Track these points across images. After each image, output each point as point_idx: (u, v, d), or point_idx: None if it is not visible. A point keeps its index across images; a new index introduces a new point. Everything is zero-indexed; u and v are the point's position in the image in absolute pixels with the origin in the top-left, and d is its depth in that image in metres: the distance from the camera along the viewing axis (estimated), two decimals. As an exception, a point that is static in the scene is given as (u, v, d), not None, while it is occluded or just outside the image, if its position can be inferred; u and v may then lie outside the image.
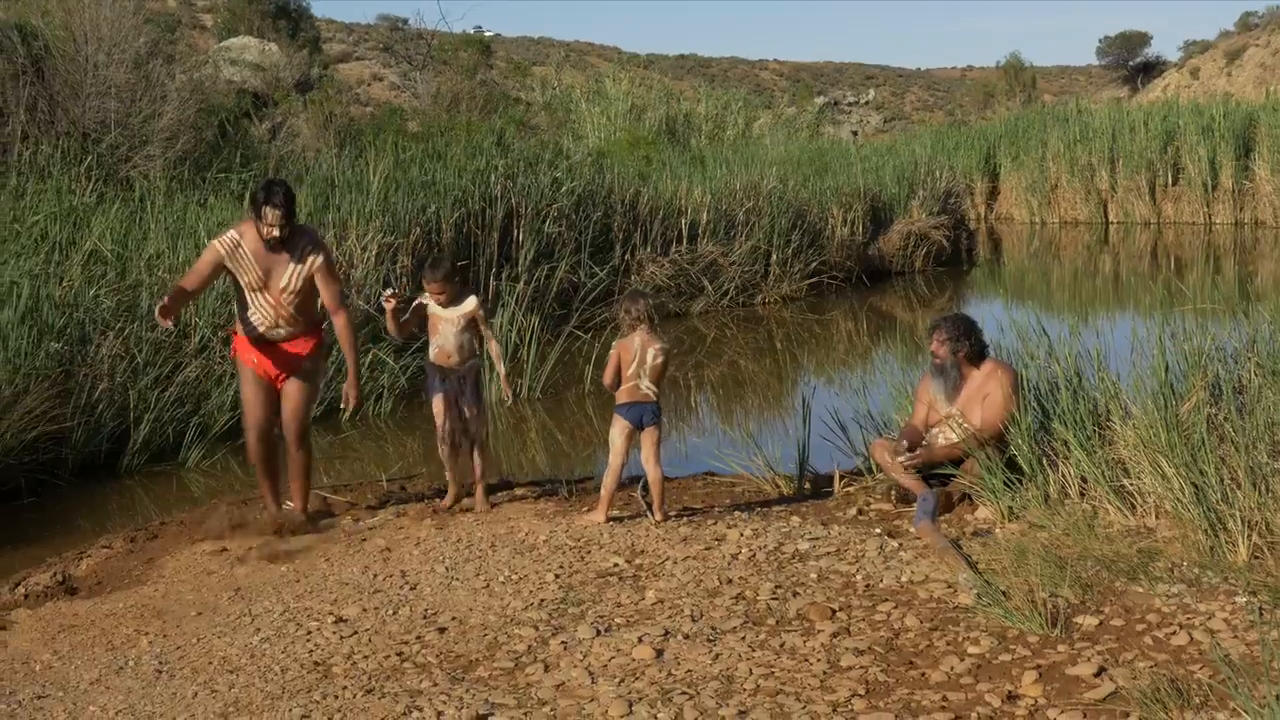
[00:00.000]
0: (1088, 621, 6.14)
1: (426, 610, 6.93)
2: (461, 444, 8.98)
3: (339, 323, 8.40)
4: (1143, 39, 75.90)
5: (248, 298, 8.21)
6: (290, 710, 5.69)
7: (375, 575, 7.62)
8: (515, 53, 58.14)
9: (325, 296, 8.36)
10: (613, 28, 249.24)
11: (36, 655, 6.65)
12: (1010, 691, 5.44)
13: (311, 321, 8.49)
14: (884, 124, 70.83)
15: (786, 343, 17.84)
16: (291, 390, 8.42)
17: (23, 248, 12.30)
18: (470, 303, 8.80)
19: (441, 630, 6.61)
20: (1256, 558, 6.78)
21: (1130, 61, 75.54)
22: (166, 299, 7.89)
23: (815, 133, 36.58)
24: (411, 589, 7.32)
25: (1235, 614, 6.06)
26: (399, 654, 6.32)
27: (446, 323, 8.73)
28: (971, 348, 8.48)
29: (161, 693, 6.01)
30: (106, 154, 16.66)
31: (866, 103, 79.70)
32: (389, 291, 8.89)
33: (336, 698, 5.80)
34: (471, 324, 8.81)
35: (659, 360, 8.46)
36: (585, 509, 8.75)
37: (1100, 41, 78.03)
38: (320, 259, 8.27)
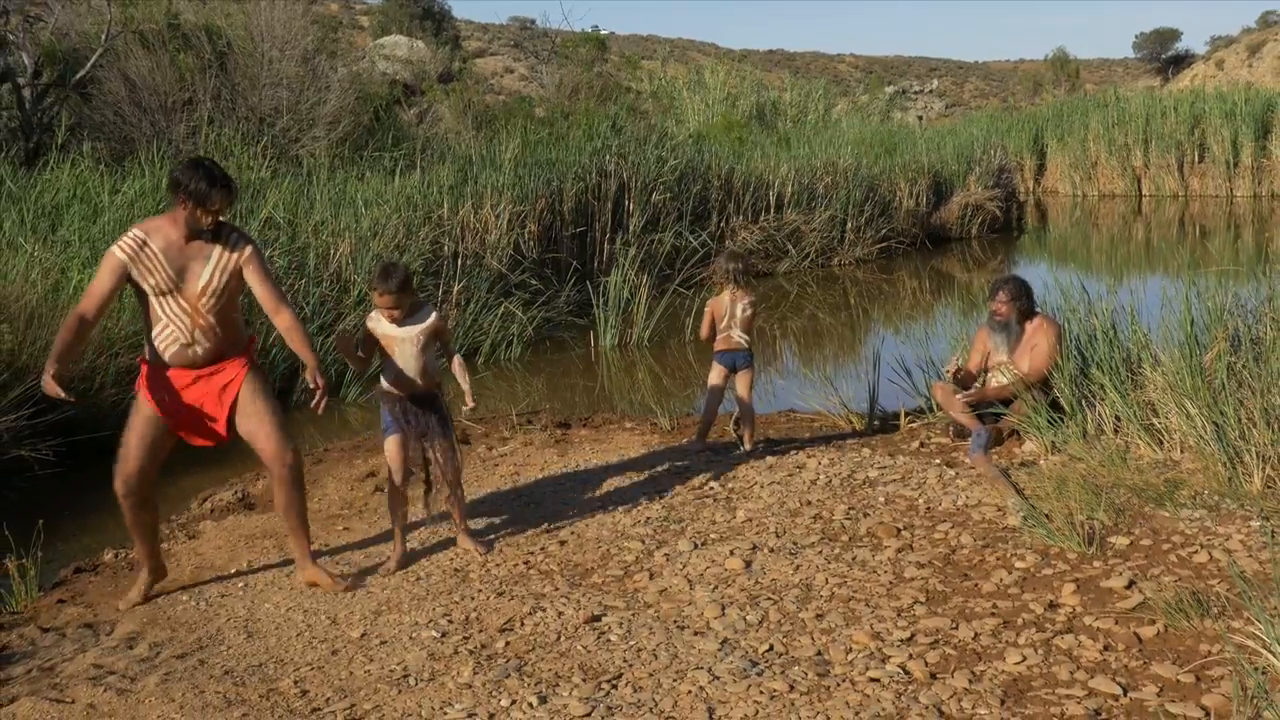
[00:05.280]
0: (1120, 541, 6.08)
1: (549, 525, 6.98)
2: (434, 488, 6.62)
3: (284, 322, 5.99)
4: (1174, 35, 74.52)
5: (156, 308, 5.76)
6: (433, 609, 5.75)
7: (505, 494, 7.68)
8: (627, 48, 57.91)
9: (262, 296, 5.95)
10: (711, 26, 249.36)
11: (220, 561, 6.76)
12: (1052, 601, 5.41)
13: (234, 340, 5.98)
14: (945, 110, 69.92)
15: (859, 298, 17.72)
16: (258, 417, 5.93)
17: (209, 215, 12.45)
18: (430, 316, 6.39)
19: (562, 543, 6.65)
20: (1269, 487, 6.69)
21: (1163, 54, 74.17)
22: (54, 364, 5.44)
23: (885, 117, 36.13)
24: (536, 506, 7.37)
25: (1250, 536, 5.99)
26: (525, 562, 6.37)
27: (404, 343, 6.32)
28: (1027, 305, 8.42)
29: (326, 593, 6.09)
30: (279, 135, 16.81)
31: (930, 91, 78.72)
32: (342, 335, 6.62)
33: (473, 599, 5.86)
34: (433, 341, 6.43)
35: (746, 313, 8.47)
36: (685, 439, 8.78)
37: (1136, 37, 76.77)
38: (249, 249, 5.88)
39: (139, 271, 5.69)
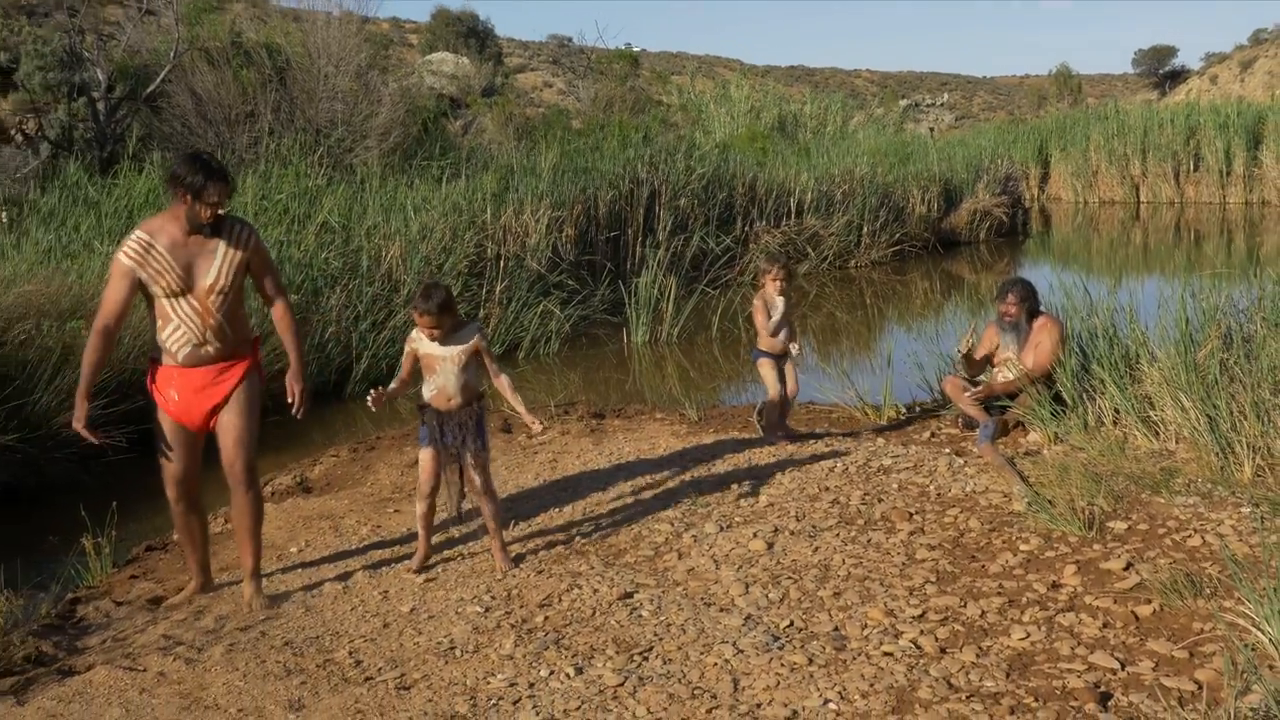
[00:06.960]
0: (1118, 526, 6.07)
1: (585, 508, 7.00)
2: (461, 500, 6.25)
3: (278, 312, 5.76)
4: (1170, 51, 73.86)
5: (166, 309, 5.40)
6: (477, 586, 5.78)
7: (544, 480, 7.71)
8: (657, 64, 57.79)
9: (263, 285, 5.72)
10: (736, 43, 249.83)
11: (280, 540, 6.80)
12: (1054, 581, 5.41)
13: (243, 338, 5.64)
14: (955, 122, 69.59)
15: (874, 298, 17.67)
16: (229, 420, 5.54)
17: (270, 219, 12.52)
18: (473, 335, 6.00)
19: (597, 524, 6.67)
20: (1259, 476, 6.68)
21: (1160, 70, 73.56)
22: (84, 401, 5.29)
23: (899, 129, 36.00)
24: (572, 491, 7.39)
25: (1241, 521, 5.97)
26: (563, 542, 6.40)
27: (445, 361, 5.95)
28: (1033, 304, 8.43)
29: (379, 571, 6.13)
30: (334, 146, 16.85)
31: (941, 105, 78.33)
32: (375, 393, 6.01)
33: (514, 577, 5.88)
34: (474, 360, 6.02)
35: (748, 312, 8.52)
36: (712, 429, 8.80)
37: (1135, 54, 76.20)
38: (254, 239, 5.57)
39: (149, 275, 5.33)
